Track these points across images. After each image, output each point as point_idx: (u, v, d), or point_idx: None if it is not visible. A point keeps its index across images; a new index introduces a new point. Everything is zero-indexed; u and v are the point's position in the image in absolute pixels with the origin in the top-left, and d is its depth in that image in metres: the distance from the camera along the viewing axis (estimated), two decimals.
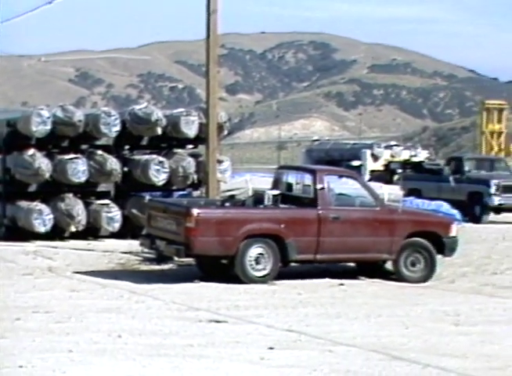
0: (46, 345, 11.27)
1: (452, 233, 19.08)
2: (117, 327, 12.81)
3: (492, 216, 35.01)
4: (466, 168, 37.09)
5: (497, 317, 14.54)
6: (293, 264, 18.17)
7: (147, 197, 22.42)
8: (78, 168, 23.99)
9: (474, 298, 16.46)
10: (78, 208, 23.80)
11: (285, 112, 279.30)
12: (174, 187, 25.66)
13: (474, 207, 34.75)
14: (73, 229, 23.74)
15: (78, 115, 24.61)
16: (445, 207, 31.31)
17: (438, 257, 18.84)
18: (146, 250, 19.59)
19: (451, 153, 64.69)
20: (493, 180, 35.26)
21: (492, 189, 34.84)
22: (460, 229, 20.37)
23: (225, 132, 27.14)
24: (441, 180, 36.76)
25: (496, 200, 34.88)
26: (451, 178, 36.50)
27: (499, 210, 35.33)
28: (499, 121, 52.77)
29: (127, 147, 26.06)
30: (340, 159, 40.15)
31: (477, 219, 33.83)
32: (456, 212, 31.01)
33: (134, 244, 20.52)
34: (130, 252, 21.02)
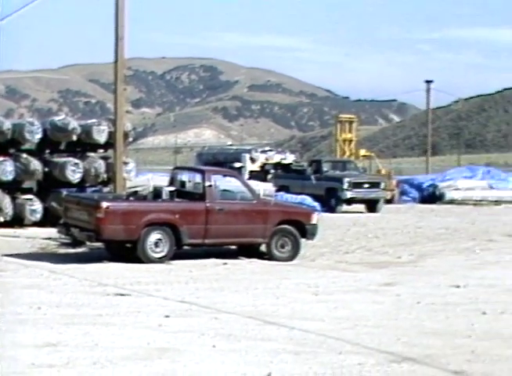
0: None
1: (313, 221, 19.24)
2: (38, 300, 12.60)
3: (344, 207, 35.42)
4: (324, 169, 37.50)
5: (348, 288, 14.66)
6: (185, 247, 18.07)
7: (64, 193, 22.26)
8: (7, 169, 23.92)
9: (331, 273, 16.57)
10: (6, 202, 23.73)
11: (180, 123, 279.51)
12: (87, 184, 25.52)
13: (331, 200, 35.11)
14: (1, 219, 23.53)
15: (7, 124, 24.66)
16: (308, 200, 31.61)
17: (302, 240, 18.97)
18: (62, 236, 19.32)
19: (312, 157, 65.31)
20: (345, 178, 35.70)
21: (345, 186, 35.28)
22: (320, 218, 20.51)
23: (130, 139, 27.30)
24: (304, 178, 37.04)
25: (348, 194, 35.34)
26: (312, 177, 36.82)
27: (350, 202, 35.81)
28: (350, 131, 53.41)
29: (47, 151, 25.76)
30: (225, 161, 40.08)
31: (332, 210, 34.17)
32: (316, 204, 31.34)
33: (53, 232, 20.20)
34: (49, 238, 20.73)
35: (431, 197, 42.95)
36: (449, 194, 42.88)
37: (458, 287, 14.81)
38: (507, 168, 69.83)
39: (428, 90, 67.47)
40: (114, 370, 8.46)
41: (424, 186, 44.02)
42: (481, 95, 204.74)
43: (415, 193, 43.48)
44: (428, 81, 68.06)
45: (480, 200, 42.49)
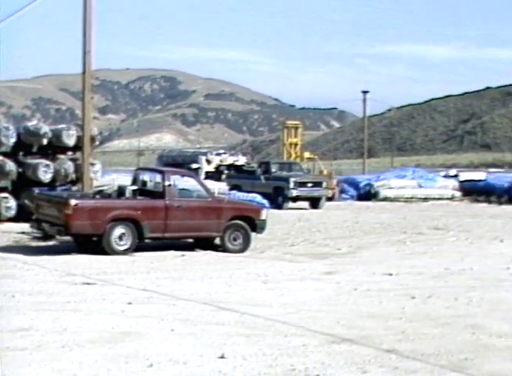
0: None
1: (263, 217, 19.23)
2: (12, 289, 12.42)
3: (290, 204, 35.49)
4: (273, 170, 37.50)
5: (294, 276, 14.67)
6: (147, 240, 17.96)
7: (36, 191, 22.16)
8: None
9: (278, 263, 16.57)
10: None
11: (143, 128, 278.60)
12: (57, 184, 25.26)
13: (278, 198, 35.14)
14: None
15: None
16: (258, 198, 31.58)
17: (253, 234, 18.94)
18: (35, 231, 19.07)
19: (262, 159, 65.33)
20: (291, 178, 35.75)
21: (291, 185, 35.34)
22: (268, 214, 20.50)
23: (97, 143, 27.09)
24: (255, 178, 37.01)
25: (294, 193, 35.40)
26: (262, 177, 36.80)
27: (295, 199, 35.86)
28: (296, 136, 53.56)
29: (21, 153, 25.44)
30: (183, 163, 39.88)
31: (280, 207, 34.21)
32: (265, 202, 31.33)
33: (26, 227, 19.94)
34: (23, 232, 20.45)
35: (367, 194, 43.22)
36: (383, 192, 43.18)
37: (390, 274, 14.91)
38: (434, 169, 70.60)
39: (364, 99, 68.00)
40: (81, 353, 8.38)
41: (361, 185, 44.28)
42: (411, 105, 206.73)
43: (353, 192, 43.72)
44: (365, 92, 68.60)
45: (410, 198, 42.84)
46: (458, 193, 44.96)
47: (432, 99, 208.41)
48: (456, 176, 49.35)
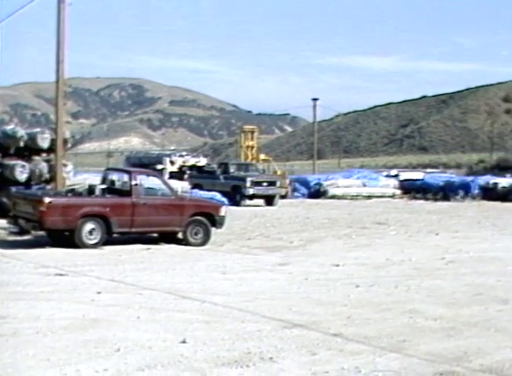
0: None
1: (222, 213, 19.19)
2: None
3: (247, 202, 35.48)
4: (231, 170, 37.45)
5: (250, 267, 14.66)
6: (115, 235, 17.82)
7: (13, 190, 21.85)
8: None
9: (236, 256, 16.55)
10: None
11: (112, 131, 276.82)
12: (32, 183, 24.93)
13: (236, 196, 35.09)
14: None
15: None
16: (217, 196, 31.50)
17: (212, 229, 18.89)
18: (11, 226, 18.84)
19: (221, 160, 65.22)
20: (248, 178, 35.74)
21: (248, 184, 35.32)
22: (227, 211, 20.46)
23: (69, 145, 26.90)
24: (214, 178, 36.95)
25: (250, 191, 35.39)
26: (221, 177, 36.76)
27: (252, 197, 35.83)
28: (252, 139, 53.40)
29: (0, 155, 25.14)
30: (149, 164, 39.66)
31: (237, 204, 34.17)
32: (224, 199, 31.24)
33: (3, 222, 19.64)
34: (1, 228, 20.16)
35: (317, 193, 43.37)
36: (331, 191, 43.37)
37: (337, 265, 14.97)
38: (377, 169, 71.08)
39: (314, 106, 68.18)
40: (54, 338, 8.28)
41: (311, 184, 44.41)
42: (357, 111, 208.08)
43: (304, 190, 43.83)
44: (315, 99, 68.79)
45: (355, 196, 43.09)
46: (398, 191, 45.37)
47: (375, 106, 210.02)
48: (396, 176, 49.75)
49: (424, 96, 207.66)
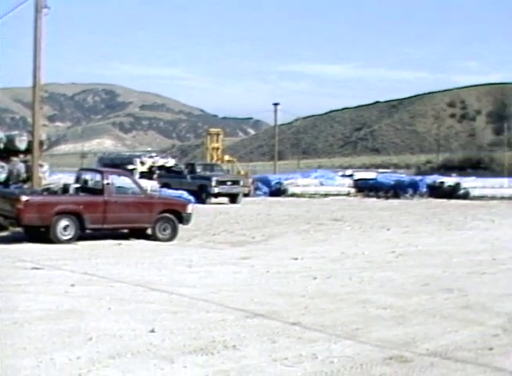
0: None
1: (189, 211, 19.11)
2: None
3: (213, 200, 35.42)
4: (198, 170, 37.36)
5: (215, 261, 14.63)
6: (88, 231, 17.68)
7: None
8: None
9: (201, 250, 16.51)
10: None
11: (86, 134, 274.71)
12: (10, 182, 24.61)
13: (202, 194, 35.00)
14: None
15: None
16: (185, 194, 31.38)
17: (180, 225, 18.82)
18: None
19: (188, 161, 64.98)
20: (213, 177, 35.67)
21: (213, 183, 35.25)
22: (193, 208, 20.39)
23: (45, 147, 26.63)
24: (182, 177, 36.82)
25: (215, 190, 35.34)
26: (188, 176, 36.63)
27: (217, 195, 35.78)
28: (217, 142, 53.37)
29: None
30: (121, 164, 39.34)
31: (203, 202, 34.08)
32: (191, 197, 31.15)
33: None
34: None
35: (278, 191, 43.45)
36: (291, 189, 43.48)
37: (296, 259, 15.00)
38: (333, 169, 71.42)
39: (276, 110, 68.37)
40: (30, 328, 8.19)
41: (273, 183, 44.48)
42: (314, 115, 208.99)
43: (266, 189, 43.88)
44: (276, 104, 68.97)
45: (313, 194, 43.26)
46: (353, 190, 45.64)
47: (331, 111, 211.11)
48: (351, 176, 50.06)
49: (377, 102, 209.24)
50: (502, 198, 42.63)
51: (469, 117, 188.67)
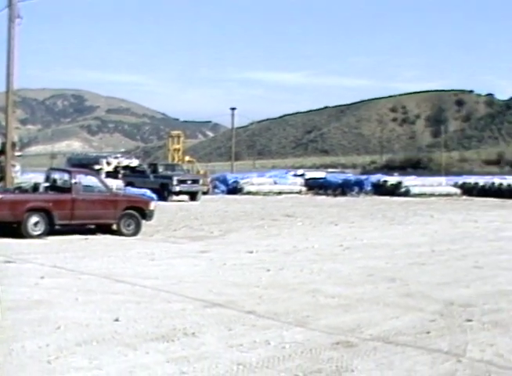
0: None
1: (151, 208, 19.03)
2: None
3: (174, 197, 35.28)
4: (160, 170, 37.23)
5: (176, 254, 14.56)
6: (57, 227, 17.46)
7: None
8: None
9: (163, 244, 16.42)
10: None
11: (56, 136, 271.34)
12: None
13: (164, 192, 34.88)
14: None
15: None
16: (148, 192, 31.21)
17: (143, 221, 18.71)
18: None
19: (151, 161, 64.48)
20: (174, 176, 35.58)
21: (174, 182, 35.16)
22: (156, 205, 20.28)
23: (17, 148, 26.29)
24: (145, 177, 36.60)
25: (176, 188, 35.25)
26: (151, 176, 36.46)
27: (178, 193, 35.68)
28: (178, 143, 53.09)
29: None
30: (88, 164, 38.90)
31: (165, 199, 33.94)
32: (153, 195, 30.97)
33: None
34: None
35: (235, 189, 43.48)
36: (247, 188, 43.54)
37: (251, 252, 15.01)
38: (286, 169, 71.66)
39: (233, 114, 68.49)
40: (2, 318, 8.04)
41: (230, 182, 44.49)
42: (269, 119, 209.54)
43: (223, 187, 43.88)
44: (233, 108, 69.12)
45: (267, 192, 43.38)
46: (304, 188, 45.89)
47: (285, 115, 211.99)
48: (302, 175, 50.33)
49: (326, 107, 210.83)
50: (440, 195, 43.35)
51: (409, 121, 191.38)
